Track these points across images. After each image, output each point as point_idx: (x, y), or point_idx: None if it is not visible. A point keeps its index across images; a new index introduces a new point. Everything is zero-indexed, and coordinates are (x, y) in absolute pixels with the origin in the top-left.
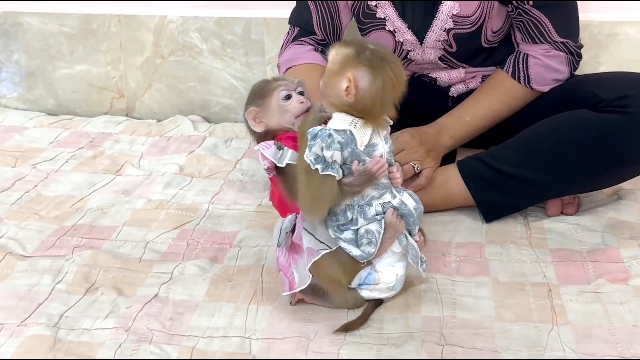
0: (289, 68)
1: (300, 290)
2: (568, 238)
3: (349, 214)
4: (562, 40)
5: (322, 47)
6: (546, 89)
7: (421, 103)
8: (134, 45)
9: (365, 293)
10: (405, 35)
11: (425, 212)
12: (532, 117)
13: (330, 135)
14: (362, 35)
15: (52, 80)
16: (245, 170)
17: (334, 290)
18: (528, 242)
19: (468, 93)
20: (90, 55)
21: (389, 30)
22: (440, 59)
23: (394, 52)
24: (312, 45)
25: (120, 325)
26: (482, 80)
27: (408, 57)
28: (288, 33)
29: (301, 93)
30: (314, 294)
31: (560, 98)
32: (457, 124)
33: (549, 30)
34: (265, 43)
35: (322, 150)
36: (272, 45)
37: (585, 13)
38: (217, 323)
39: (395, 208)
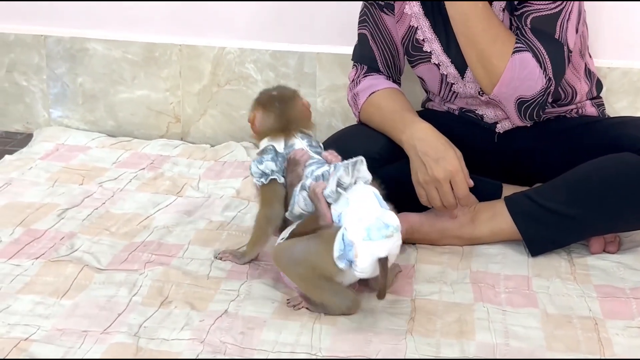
0: (373, 93)
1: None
2: (611, 275)
3: None
4: (550, 75)
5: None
6: (501, 70)
7: (467, 139)
8: (193, 74)
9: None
10: (449, 68)
11: (472, 245)
12: (578, 157)
13: (259, 159)
14: (411, 67)
15: (113, 103)
16: None
17: (316, 293)
18: (573, 278)
19: (514, 130)
20: (150, 81)
21: (434, 63)
22: (479, 93)
23: (440, 84)
24: (385, 76)
25: (196, 337)
26: None
27: (452, 89)
28: (356, 70)
29: None
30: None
31: (606, 140)
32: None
33: (544, 55)
34: (317, 76)
35: (257, 167)
36: (323, 78)
37: (625, 60)
38: (285, 339)
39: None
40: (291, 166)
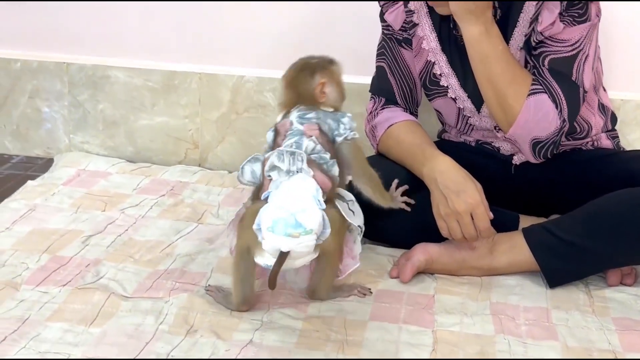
0: (391, 125)
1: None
2: (629, 308)
3: None
4: (565, 116)
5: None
6: (516, 111)
7: (484, 169)
8: (212, 101)
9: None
10: (465, 103)
11: (490, 275)
12: (594, 189)
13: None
14: (429, 100)
15: (133, 130)
16: None
17: (236, 267)
18: (591, 310)
19: (530, 162)
20: (170, 108)
21: (451, 97)
22: (495, 127)
23: (457, 117)
24: (402, 108)
25: None
26: None
27: (469, 122)
28: (374, 102)
29: None
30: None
31: (622, 174)
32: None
33: (560, 97)
34: None
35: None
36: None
37: (635, 92)
38: None
39: None
40: (276, 137)
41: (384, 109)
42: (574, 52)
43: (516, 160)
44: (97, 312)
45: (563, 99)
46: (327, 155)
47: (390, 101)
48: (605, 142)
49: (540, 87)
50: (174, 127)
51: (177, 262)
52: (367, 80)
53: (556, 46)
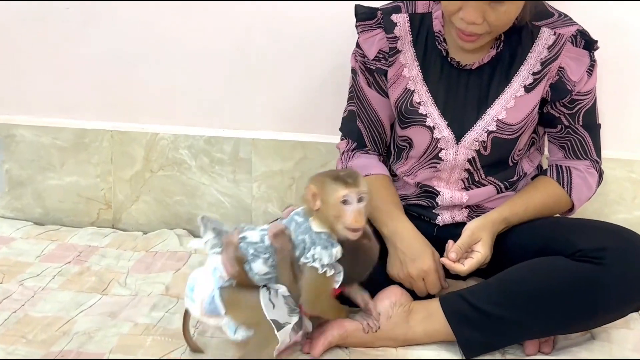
0: (366, 175)
1: None
2: None
3: None
4: (597, 159)
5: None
6: (577, 207)
7: None
8: (125, 159)
9: None
10: (444, 132)
11: (407, 346)
12: (513, 255)
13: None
14: (401, 129)
15: (41, 190)
16: None
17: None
18: None
19: (453, 224)
20: (80, 168)
21: (429, 126)
22: (468, 161)
23: (428, 148)
24: (377, 155)
25: None
26: (468, 216)
27: (439, 156)
28: (346, 142)
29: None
30: None
31: (540, 240)
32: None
33: (590, 148)
34: (252, 162)
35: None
36: (260, 164)
37: None
38: None
39: None
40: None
41: (357, 151)
42: (594, 98)
43: (440, 221)
44: None
45: (592, 145)
46: (259, 254)
47: (360, 144)
48: None
49: (569, 168)
50: (85, 187)
51: (73, 342)
52: (289, 137)
53: (585, 99)
